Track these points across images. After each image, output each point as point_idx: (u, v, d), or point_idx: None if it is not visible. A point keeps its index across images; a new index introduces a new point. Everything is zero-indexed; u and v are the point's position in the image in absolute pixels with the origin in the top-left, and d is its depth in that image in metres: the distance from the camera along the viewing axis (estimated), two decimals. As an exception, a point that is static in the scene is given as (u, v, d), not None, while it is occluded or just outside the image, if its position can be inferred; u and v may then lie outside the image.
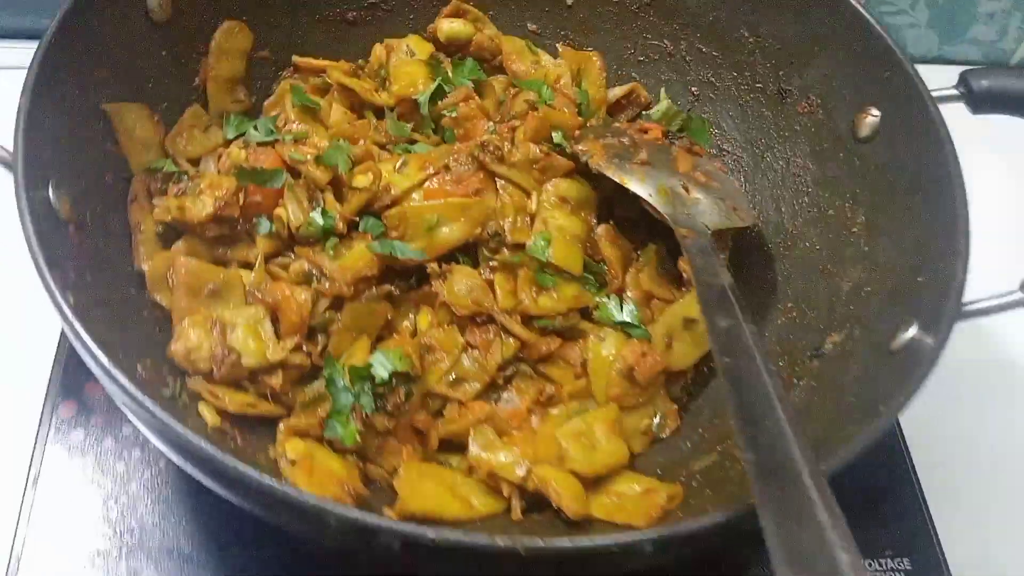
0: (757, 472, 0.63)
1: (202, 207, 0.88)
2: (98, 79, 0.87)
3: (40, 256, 0.70)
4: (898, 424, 1.05)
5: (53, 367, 0.96)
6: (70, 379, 0.95)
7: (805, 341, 0.94)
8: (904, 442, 1.03)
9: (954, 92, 0.91)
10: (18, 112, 0.75)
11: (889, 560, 0.94)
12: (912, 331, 0.79)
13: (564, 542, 0.62)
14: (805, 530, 0.60)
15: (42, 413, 0.93)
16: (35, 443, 0.91)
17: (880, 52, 0.93)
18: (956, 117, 0.89)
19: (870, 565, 0.94)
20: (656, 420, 0.93)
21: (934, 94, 0.90)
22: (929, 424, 1.04)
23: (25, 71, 0.78)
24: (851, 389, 0.83)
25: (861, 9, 0.95)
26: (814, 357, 0.91)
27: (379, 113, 1.04)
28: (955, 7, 1.46)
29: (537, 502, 0.84)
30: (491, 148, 0.95)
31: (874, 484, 0.99)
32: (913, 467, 1.01)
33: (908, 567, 0.94)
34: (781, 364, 0.94)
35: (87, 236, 0.82)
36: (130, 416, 0.71)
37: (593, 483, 0.86)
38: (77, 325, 0.68)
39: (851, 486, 0.94)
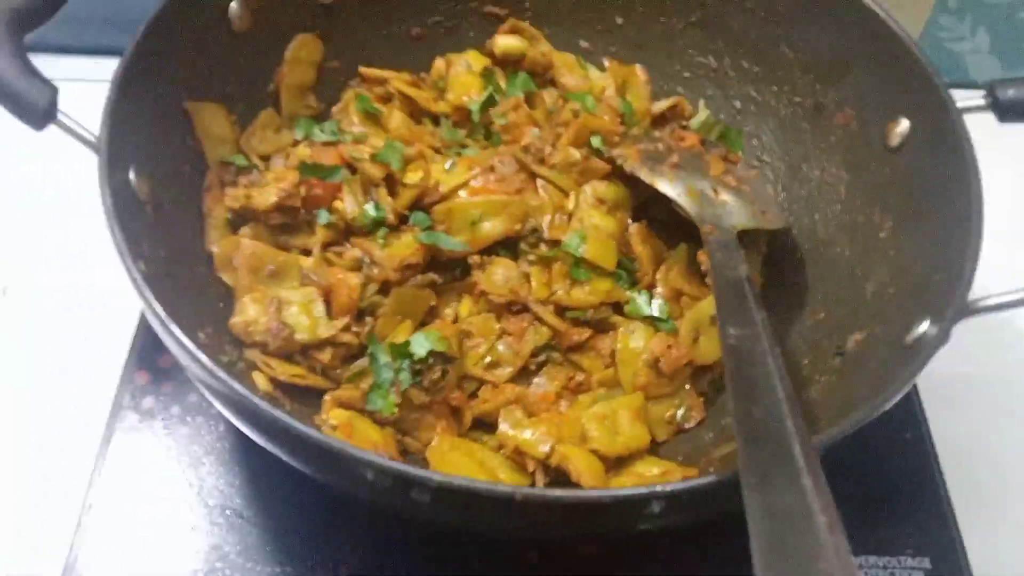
0: (746, 437, 0.67)
1: (267, 196, 0.97)
2: (180, 79, 0.97)
3: (115, 225, 0.79)
4: (924, 421, 1.06)
5: (133, 340, 1.06)
6: (145, 351, 1.05)
7: (829, 340, 0.97)
8: (930, 439, 1.04)
9: (981, 102, 0.94)
10: (106, 102, 0.85)
11: (909, 559, 0.95)
12: (924, 326, 0.82)
13: (556, 493, 0.67)
14: (786, 493, 0.63)
15: (120, 380, 1.03)
16: (112, 406, 1.01)
17: (910, 65, 0.96)
18: (984, 125, 0.92)
19: (888, 564, 0.95)
20: (681, 411, 0.98)
21: (962, 104, 0.93)
22: (954, 423, 1.05)
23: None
24: (867, 383, 0.86)
25: (893, 25, 0.98)
26: (837, 355, 0.94)
27: (436, 121, 1.12)
28: (1017, 32, 1.47)
29: (561, 480, 0.89)
30: (533, 150, 1.02)
31: (896, 481, 1.01)
32: (938, 464, 1.02)
33: (928, 566, 0.95)
34: (806, 363, 0.98)
35: (163, 217, 0.91)
36: (188, 372, 0.80)
37: (614, 464, 0.92)
38: (145, 290, 0.77)
39: (873, 482, 1.00)
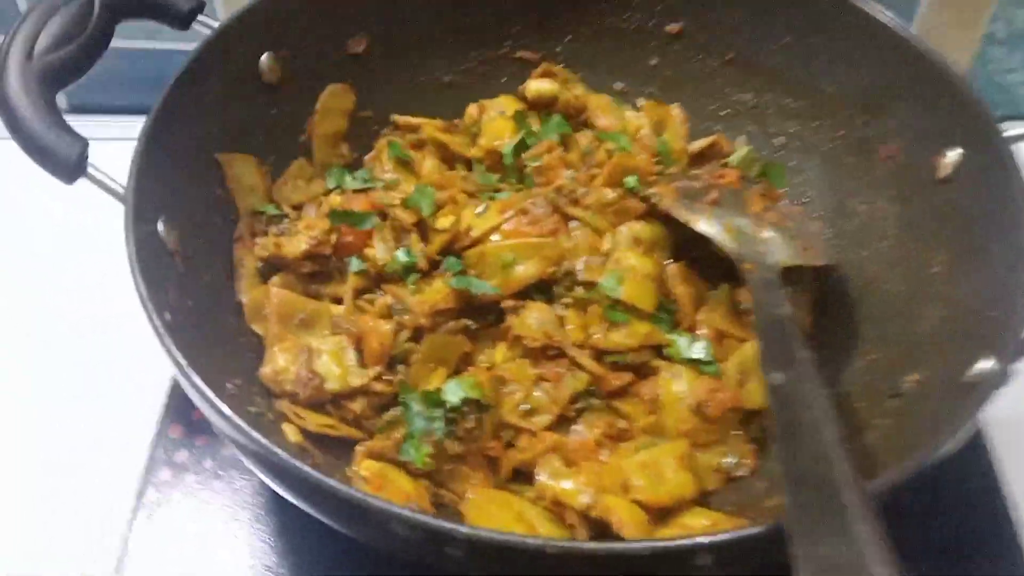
0: (792, 482, 0.63)
1: (297, 244, 0.97)
2: (211, 131, 0.97)
3: (139, 275, 0.78)
4: (994, 468, 1.00)
5: (168, 393, 1.05)
6: (180, 404, 1.04)
7: (885, 382, 0.92)
8: (1001, 487, 0.99)
9: (1031, 130, 0.90)
10: (134, 153, 0.85)
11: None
12: (983, 363, 0.78)
13: (590, 545, 0.63)
14: (837, 543, 0.59)
15: (155, 434, 1.02)
16: (146, 460, 1.00)
17: (954, 93, 0.93)
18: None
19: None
20: (730, 459, 0.93)
21: (1012, 133, 0.89)
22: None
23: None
24: (926, 425, 0.81)
25: (935, 55, 0.95)
26: (893, 397, 0.89)
27: (470, 166, 1.11)
28: (1070, 63, 1.42)
29: (603, 532, 0.85)
30: (566, 192, 1.00)
31: (966, 532, 0.96)
32: (1009, 514, 0.97)
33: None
34: (861, 406, 0.93)
35: (192, 267, 0.90)
36: (212, 423, 0.78)
37: (659, 516, 0.87)
38: (166, 339, 0.76)
39: (942, 534, 0.95)
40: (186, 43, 0.95)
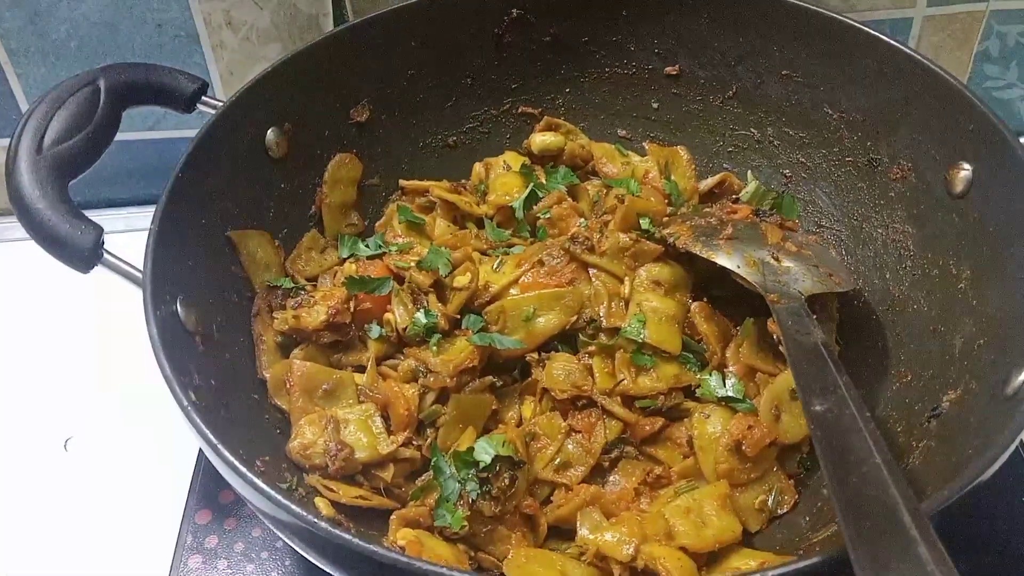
0: (847, 509, 0.61)
1: (316, 315, 0.96)
2: (222, 209, 0.97)
3: (163, 357, 0.77)
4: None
5: (192, 478, 1.03)
6: (206, 488, 1.02)
7: (922, 404, 0.90)
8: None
9: (1044, 136, 0.90)
10: (148, 236, 0.85)
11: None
12: (1022, 375, 0.76)
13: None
14: (902, 567, 0.57)
15: (182, 520, 1.00)
16: (175, 548, 0.97)
17: (961, 106, 0.93)
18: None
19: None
20: (771, 496, 0.91)
21: (1024, 139, 0.89)
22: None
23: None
24: (971, 443, 0.79)
25: (938, 70, 0.95)
26: (932, 418, 0.87)
27: (480, 224, 1.10)
28: (1066, 73, 1.43)
29: (650, 583, 0.83)
30: (581, 240, 0.99)
31: (1016, 551, 0.92)
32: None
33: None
34: (899, 429, 0.91)
35: (213, 346, 0.90)
36: (246, 501, 0.76)
37: (706, 561, 0.85)
38: (195, 418, 0.75)
39: (991, 555, 0.92)
40: (189, 130, 0.96)
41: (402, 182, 1.14)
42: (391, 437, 0.91)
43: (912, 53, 0.98)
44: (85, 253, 0.86)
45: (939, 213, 0.96)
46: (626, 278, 0.98)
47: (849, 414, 0.71)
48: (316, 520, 0.68)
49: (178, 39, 1.24)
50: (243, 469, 0.71)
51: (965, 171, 0.93)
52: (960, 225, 0.94)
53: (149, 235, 0.85)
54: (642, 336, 0.93)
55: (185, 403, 0.75)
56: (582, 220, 1.04)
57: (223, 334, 0.93)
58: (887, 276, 1.01)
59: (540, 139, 1.15)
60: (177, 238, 0.89)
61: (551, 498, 0.91)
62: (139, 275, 0.84)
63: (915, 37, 1.31)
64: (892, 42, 0.99)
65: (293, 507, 0.69)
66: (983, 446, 0.75)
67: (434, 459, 0.89)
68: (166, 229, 0.87)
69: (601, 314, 0.96)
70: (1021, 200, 0.86)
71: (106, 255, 0.87)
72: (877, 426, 0.71)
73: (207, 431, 0.72)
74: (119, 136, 0.97)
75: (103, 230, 0.87)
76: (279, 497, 0.69)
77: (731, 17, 1.09)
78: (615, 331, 0.95)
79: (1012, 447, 0.69)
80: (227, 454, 0.72)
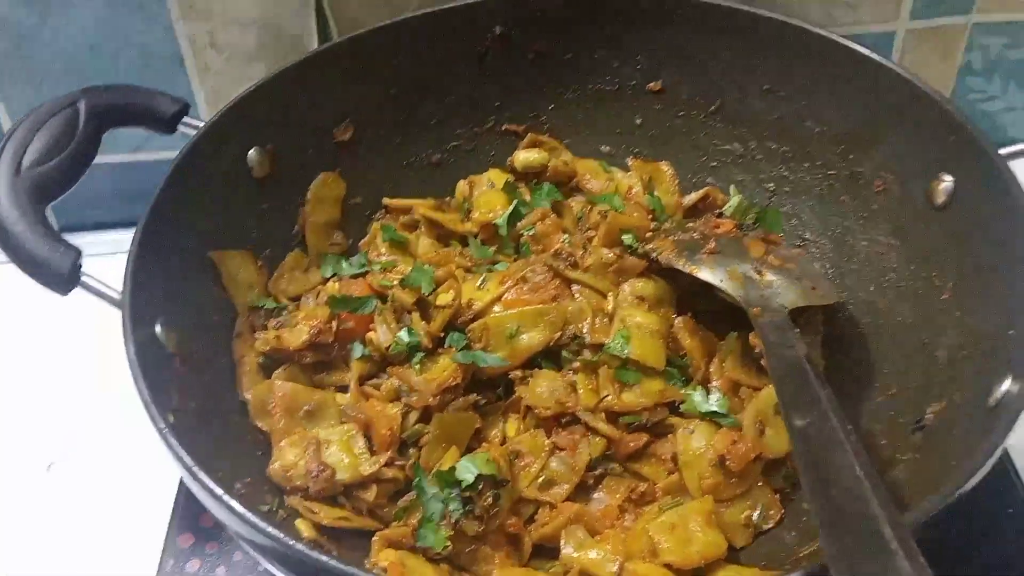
0: (827, 523, 0.61)
1: (298, 335, 0.95)
2: (203, 230, 0.97)
3: (140, 379, 0.77)
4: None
5: (174, 501, 1.02)
6: (187, 512, 1.01)
7: (906, 416, 0.90)
8: None
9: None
10: (128, 256, 0.85)
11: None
12: (1006, 384, 0.76)
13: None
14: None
15: (164, 545, 0.99)
16: (157, 571, 0.97)
17: (941, 118, 0.93)
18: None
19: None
20: (757, 512, 0.90)
21: (1004, 151, 0.89)
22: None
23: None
24: (954, 454, 0.79)
25: (913, 79, 0.96)
26: (916, 430, 0.87)
27: (464, 242, 1.10)
28: (1051, 85, 1.43)
29: (635, 601, 0.82)
30: (564, 256, 0.99)
31: (1001, 562, 0.92)
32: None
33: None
34: (884, 442, 0.90)
35: (194, 368, 0.89)
36: (224, 524, 0.75)
37: (692, 578, 0.84)
38: (171, 440, 0.74)
39: (977, 567, 0.91)
40: (174, 152, 0.95)
41: (386, 200, 1.14)
42: (373, 457, 0.90)
43: (892, 66, 0.98)
44: (63, 275, 0.85)
45: (922, 225, 0.96)
46: (610, 294, 0.98)
47: (830, 428, 0.70)
48: (293, 543, 0.68)
49: (163, 61, 1.24)
50: (219, 491, 0.70)
51: (946, 183, 0.93)
52: (943, 237, 0.94)
53: (128, 256, 0.85)
54: (626, 352, 0.93)
55: (162, 426, 0.75)
56: (566, 236, 1.04)
57: (204, 355, 0.92)
58: (871, 288, 1.01)
59: (523, 156, 1.15)
60: (158, 259, 0.88)
61: (535, 516, 0.90)
62: (118, 297, 0.83)
63: (898, 51, 1.32)
64: (872, 56, 0.99)
65: (269, 529, 0.69)
66: (965, 457, 0.74)
67: (417, 479, 0.88)
68: (146, 250, 0.87)
69: (585, 330, 0.95)
70: (1002, 211, 0.86)
71: (84, 277, 0.87)
72: (860, 440, 0.70)
73: (183, 454, 0.72)
74: (104, 159, 0.97)
75: (80, 252, 0.87)
76: (255, 519, 0.68)
77: (713, 33, 1.09)
78: (599, 347, 0.94)
79: (994, 458, 0.69)
80: (203, 476, 0.71)
